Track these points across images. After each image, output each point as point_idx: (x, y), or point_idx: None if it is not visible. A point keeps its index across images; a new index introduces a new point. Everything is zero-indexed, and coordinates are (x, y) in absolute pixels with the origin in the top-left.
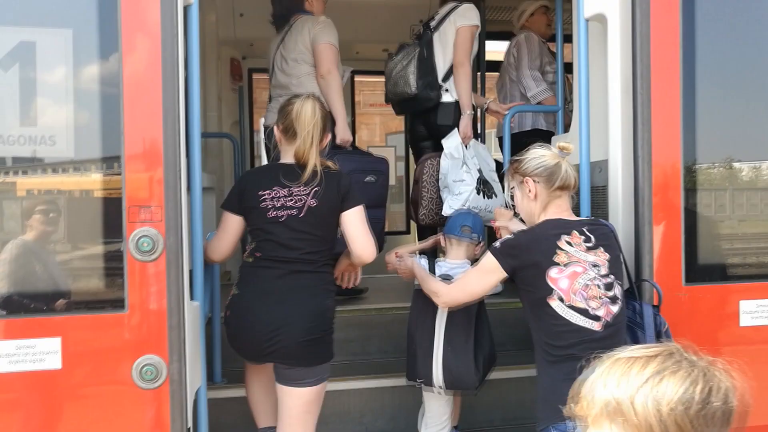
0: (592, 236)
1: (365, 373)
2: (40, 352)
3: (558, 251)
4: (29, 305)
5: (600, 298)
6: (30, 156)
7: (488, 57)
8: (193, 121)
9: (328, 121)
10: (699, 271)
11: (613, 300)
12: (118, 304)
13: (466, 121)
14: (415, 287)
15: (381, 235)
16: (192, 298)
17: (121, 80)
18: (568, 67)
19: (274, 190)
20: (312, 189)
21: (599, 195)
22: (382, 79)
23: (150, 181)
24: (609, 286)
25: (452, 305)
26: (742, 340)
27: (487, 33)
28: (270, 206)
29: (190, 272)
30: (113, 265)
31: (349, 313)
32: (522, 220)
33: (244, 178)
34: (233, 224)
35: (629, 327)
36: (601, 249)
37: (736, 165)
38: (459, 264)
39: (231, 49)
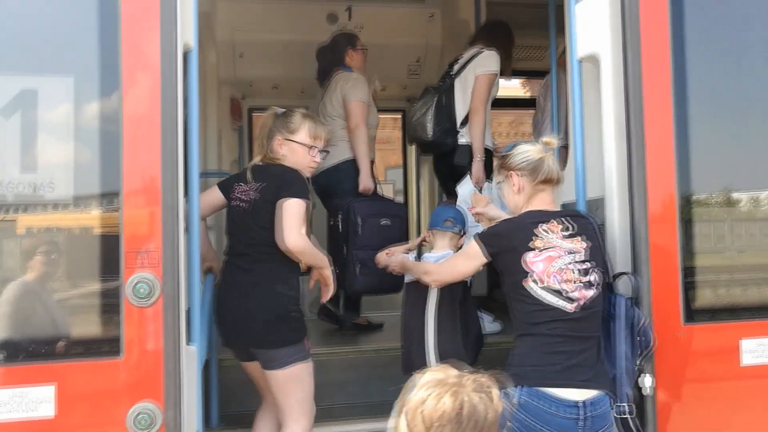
0: (571, 225)
1: (365, 415)
2: (33, 400)
3: (534, 238)
4: (24, 352)
5: (575, 282)
6: (29, 201)
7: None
8: (192, 163)
9: (277, 125)
10: (698, 309)
11: (589, 285)
12: (114, 350)
13: (477, 166)
14: (405, 281)
15: (401, 277)
16: (189, 341)
17: (121, 125)
18: None
19: (240, 185)
20: (259, 185)
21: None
22: (380, 116)
23: (148, 226)
24: (585, 272)
25: (441, 283)
26: (743, 380)
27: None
28: (234, 197)
29: (188, 313)
30: (109, 310)
31: (348, 355)
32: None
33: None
34: (214, 195)
35: (605, 318)
36: (580, 238)
37: (733, 200)
38: (443, 254)
39: (231, 89)
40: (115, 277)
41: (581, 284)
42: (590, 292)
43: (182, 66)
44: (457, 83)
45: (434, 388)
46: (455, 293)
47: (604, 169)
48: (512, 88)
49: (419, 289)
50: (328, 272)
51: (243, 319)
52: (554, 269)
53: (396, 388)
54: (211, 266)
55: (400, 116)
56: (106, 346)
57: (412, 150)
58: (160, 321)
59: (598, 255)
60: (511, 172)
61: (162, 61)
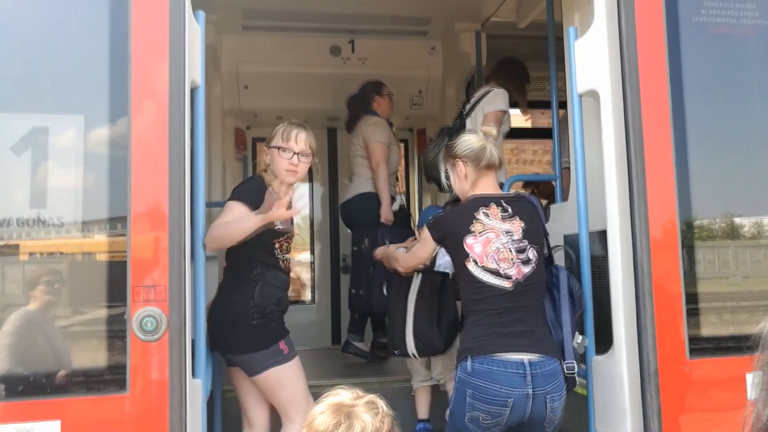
0: (509, 207)
1: None
2: None
3: (474, 222)
4: (29, 387)
5: (511, 260)
6: (38, 235)
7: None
8: (198, 194)
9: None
10: (703, 343)
11: (526, 262)
12: (120, 385)
13: None
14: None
15: None
16: (194, 375)
17: (129, 163)
18: None
19: None
20: None
21: (600, 265)
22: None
23: (155, 261)
24: (521, 250)
25: (406, 268)
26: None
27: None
28: None
29: (192, 344)
30: (116, 345)
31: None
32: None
33: None
34: None
35: (548, 287)
36: (517, 218)
37: (736, 231)
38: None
39: (235, 119)
40: (122, 312)
41: (519, 261)
42: (527, 269)
43: (189, 103)
44: (468, 123)
45: (327, 408)
46: (435, 282)
47: (606, 202)
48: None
49: (402, 279)
50: (271, 215)
51: (209, 323)
52: (491, 250)
53: None
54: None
55: (403, 146)
56: (112, 381)
57: (414, 177)
58: (166, 355)
59: (534, 233)
60: (457, 159)
61: (170, 100)
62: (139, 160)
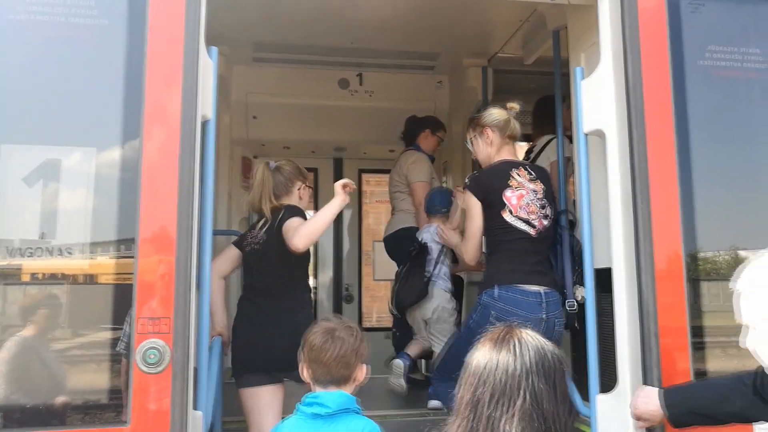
0: (533, 172)
1: None
2: None
3: (511, 179)
4: (28, 418)
5: (537, 213)
6: (45, 265)
7: None
8: (206, 225)
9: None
10: None
11: (545, 216)
12: (121, 417)
13: None
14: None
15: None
16: (196, 406)
17: (139, 197)
18: None
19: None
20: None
21: (606, 302)
22: (385, 176)
23: (161, 293)
24: (543, 207)
25: (473, 248)
26: None
27: None
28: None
29: (195, 373)
30: (118, 377)
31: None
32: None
33: None
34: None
35: (553, 243)
36: (539, 181)
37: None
38: (434, 227)
39: (243, 149)
40: (125, 344)
41: (541, 215)
42: (545, 222)
43: (201, 135)
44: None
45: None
46: (417, 267)
47: (611, 240)
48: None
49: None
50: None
51: (263, 344)
52: (524, 203)
53: None
54: (221, 333)
55: None
56: (114, 413)
57: None
58: (169, 387)
59: (549, 195)
60: (486, 128)
61: (182, 133)
62: (149, 193)
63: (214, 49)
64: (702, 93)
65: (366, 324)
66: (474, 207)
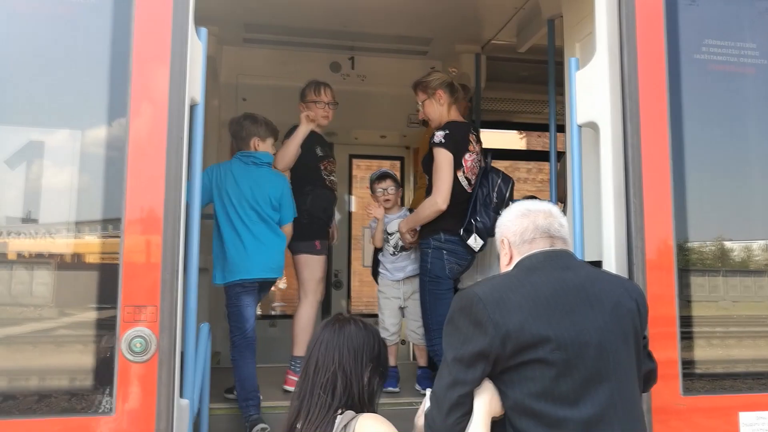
0: (476, 132)
1: None
2: None
3: (470, 144)
4: (11, 407)
5: (475, 172)
6: (31, 250)
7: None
8: (193, 209)
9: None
10: (696, 382)
11: (475, 175)
12: (106, 406)
13: None
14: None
15: None
16: (182, 394)
17: (125, 180)
18: None
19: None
20: None
21: None
22: (375, 161)
23: (147, 282)
24: (479, 166)
25: (443, 200)
26: None
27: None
28: None
29: (181, 361)
30: (103, 365)
31: None
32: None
33: None
34: None
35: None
36: (480, 143)
37: (734, 267)
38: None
39: None
40: (111, 332)
41: (476, 173)
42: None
43: (188, 119)
44: None
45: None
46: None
47: (603, 233)
48: (510, 140)
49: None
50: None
51: None
52: (471, 165)
53: None
54: None
55: (399, 163)
56: (98, 402)
57: (411, 195)
58: (154, 376)
59: (482, 152)
60: (437, 89)
61: (169, 116)
62: (135, 175)
63: (204, 30)
64: (697, 87)
65: (354, 309)
66: (446, 158)
